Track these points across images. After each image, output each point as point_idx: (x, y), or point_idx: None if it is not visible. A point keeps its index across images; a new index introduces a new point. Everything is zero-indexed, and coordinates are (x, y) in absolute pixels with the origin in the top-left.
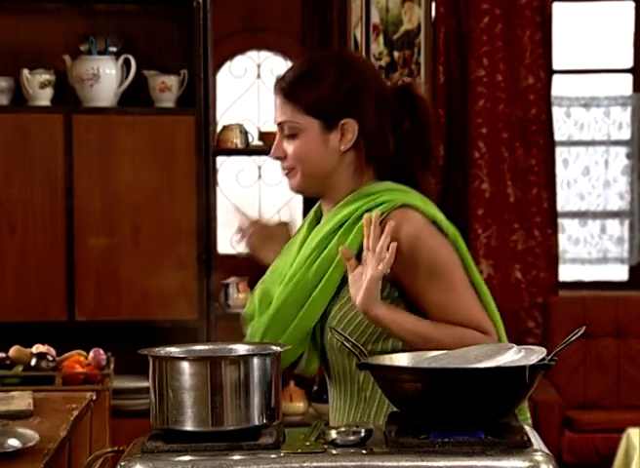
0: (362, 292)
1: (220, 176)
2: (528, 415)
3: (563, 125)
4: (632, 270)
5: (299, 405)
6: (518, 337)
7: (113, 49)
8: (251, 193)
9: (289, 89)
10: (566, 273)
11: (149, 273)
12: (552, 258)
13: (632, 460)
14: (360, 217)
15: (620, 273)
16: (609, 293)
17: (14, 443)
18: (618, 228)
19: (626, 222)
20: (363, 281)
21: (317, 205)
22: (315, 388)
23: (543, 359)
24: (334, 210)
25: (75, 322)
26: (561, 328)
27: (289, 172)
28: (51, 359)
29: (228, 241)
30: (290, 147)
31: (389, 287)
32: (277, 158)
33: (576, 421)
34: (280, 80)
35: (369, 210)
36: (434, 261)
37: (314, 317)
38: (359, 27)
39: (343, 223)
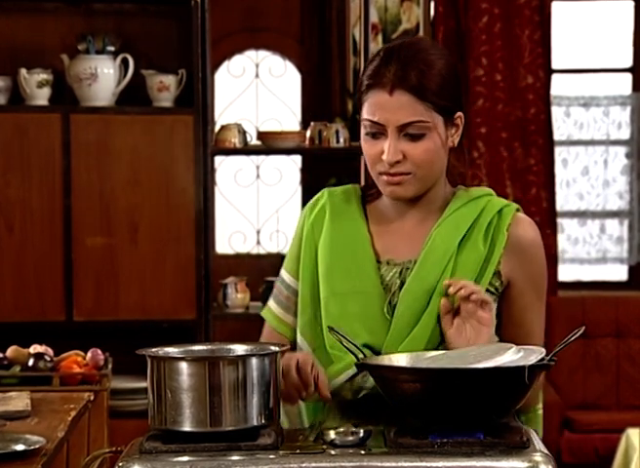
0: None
1: (219, 176)
2: (540, 426)
3: (562, 124)
4: (632, 270)
5: None
6: None
7: (111, 48)
8: (249, 193)
9: (420, 86)
10: (565, 273)
11: (147, 273)
12: (551, 258)
13: (632, 460)
14: (489, 223)
15: (619, 273)
16: (608, 293)
17: (19, 447)
18: (617, 228)
19: (626, 222)
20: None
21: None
22: None
23: (543, 359)
24: (449, 217)
25: (73, 322)
26: (560, 328)
27: (403, 177)
28: (48, 359)
29: (226, 241)
30: (413, 149)
31: (493, 276)
32: (397, 162)
33: (575, 421)
34: (404, 77)
35: (493, 212)
36: (544, 275)
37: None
38: (358, 27)
39: (469, 229)
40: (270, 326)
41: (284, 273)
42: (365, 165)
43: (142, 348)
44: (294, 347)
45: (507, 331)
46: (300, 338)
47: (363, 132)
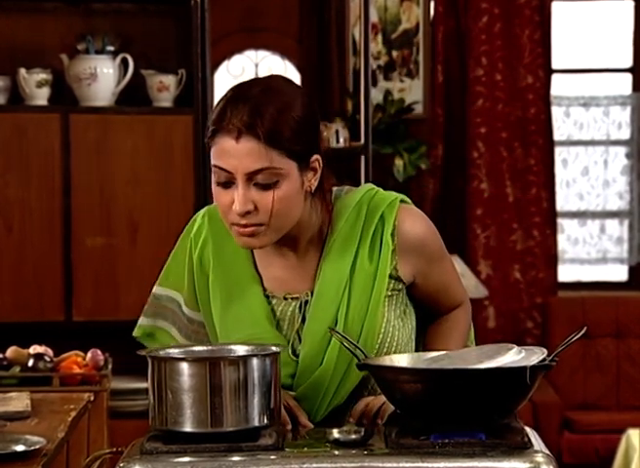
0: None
1: None
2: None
3: (562, 124)
4: (632, 270)
5: None
6: (517, 338)
7: (111, 48)
8: None
9: (269, 132)
10: (565, 273)
11: (147, 273)
12: (551, 259)
13: (632, 461)
14: (372, 236)
15: (619, 273)
16: (608, 294)
17: (19, 448)
18: (617, 228)
19: (626, 222)
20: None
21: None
22: None
23: (544, 359)
24: (331, 247)
25: (72, 322)
26: (560, 328)
27: (255, 228)
28: (48, 360)
29: None
30: (264, 199)
31: (393, 281)
32: (247, 212)
33: (575, 422)
34: (252, 124)
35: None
36: (438, 247)
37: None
38: (357, 26)
39: (355, 252)
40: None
41: (166, 290)
42: (365, 166)
43: (142, 349)
44: None
45: (432, 302)
46: None
47: (214, 179)
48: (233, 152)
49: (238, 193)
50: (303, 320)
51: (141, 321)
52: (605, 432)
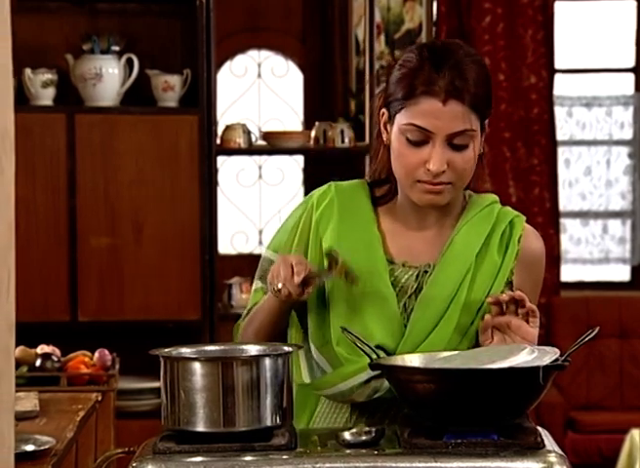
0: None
1: (221, 176)
2: None
3: (565, 124)
4: (634, 270)
5: None
6: None
7: (116, 48)
8: (251, 193)
9: (473, 97)
10: (568, 273)
11: (152, 273)
12: (554, 259)
13: (636, 461)
14: (502, 233)
15: (622, 273)
16: (611, 294)
17: (29, 448)
18: (619, 228)
19: (628, 222)
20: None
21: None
22: None
23: (557, 359)
24: (467, 224)
25: (78, 322)
26: (563, 328)
27: (444, 186)
28: (56, 359)
29: (228, 241)
30: (457, 159)
31: (505, 283)
32: (442, 172)
33: (579, 422)
34: (459, 88)
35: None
36: (542, 273)
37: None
38: (360, 26)
39: (486, 238)
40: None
41: (272, 255)
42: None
43: (147, 349)
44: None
45: None
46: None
47: (401, 138)
48: (439, 114)
49: (436, 152)
50: (417, 289)
51: (255, 284)
52: (608, 432)
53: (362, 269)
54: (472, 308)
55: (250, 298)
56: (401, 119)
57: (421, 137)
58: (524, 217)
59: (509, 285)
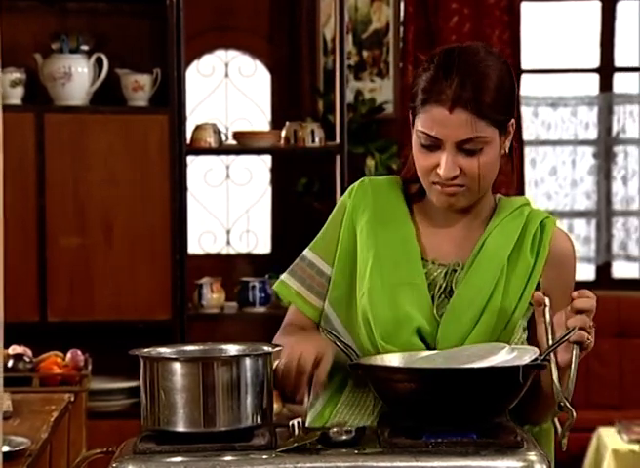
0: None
1: (189, 176)
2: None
3: (530, 124)
4: (599, 270)
5: (274, 406)
6: None
7: (85, 47)
8: (219, 193)
9: (480, 104)
10: None
11: (122, 273)
12: None
13: (603, 460)
14: (533, 235)
15: (586, 273)
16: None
17: (4, 449)
18: (585, 228)
19: (593, 222)
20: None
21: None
22: None
23: (536, 359)
24: (497, 226)
25: (47, 322)
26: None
27: (457, 188)
28: (28, 360)
29: (196, 241)
30: (470, 164)
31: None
32: (454, 177)
33: None
34: (466, 97)
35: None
36: (574, 276)
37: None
38: (328, 26)
39: (517, 239)
40: (294, 306)
41: (312, 255)
42: (341, 166)
43: (117, 349)
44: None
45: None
46: (329, 310)
47: (417, 142)
48: (446, 122)
49: (446, 159)
50: (445, 287)
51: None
52: (575, 431)
53: (398, 260)
54: (507, 312)
55: (279, 292)
56: (417, 124)
57: (431, 143)
58: (554, 219)
59: (537, 286)
